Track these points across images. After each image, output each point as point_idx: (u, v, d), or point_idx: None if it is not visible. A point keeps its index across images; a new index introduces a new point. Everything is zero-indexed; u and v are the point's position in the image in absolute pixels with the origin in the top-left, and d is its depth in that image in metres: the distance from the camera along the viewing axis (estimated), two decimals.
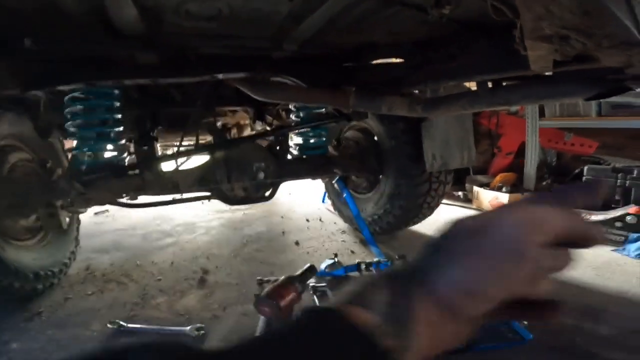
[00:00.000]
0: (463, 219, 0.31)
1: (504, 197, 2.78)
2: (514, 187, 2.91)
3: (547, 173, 3.09)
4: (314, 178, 2.00)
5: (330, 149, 1.93)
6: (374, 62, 1.56)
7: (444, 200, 2.18)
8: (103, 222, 2.98)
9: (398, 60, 1.50)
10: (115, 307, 1.58)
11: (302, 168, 1.79)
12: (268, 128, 1.97)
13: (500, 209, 0.31)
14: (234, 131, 2.37)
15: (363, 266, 1.65)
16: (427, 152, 1.65)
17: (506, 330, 1.20)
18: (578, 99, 1.07)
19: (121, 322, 1.37)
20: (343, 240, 2.23)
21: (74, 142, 1.49)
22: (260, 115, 2.07)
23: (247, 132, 2.52)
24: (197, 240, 2.42)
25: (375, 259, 1.71)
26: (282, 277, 1.18)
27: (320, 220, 2.73)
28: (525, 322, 1.19)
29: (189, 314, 1.49)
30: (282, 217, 2.90)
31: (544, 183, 2.98)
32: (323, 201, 3.22)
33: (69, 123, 1.42)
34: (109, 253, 2.22)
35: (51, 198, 1.43)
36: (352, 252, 2.04)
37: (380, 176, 1.99)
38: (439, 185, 1.92)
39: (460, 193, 3.22)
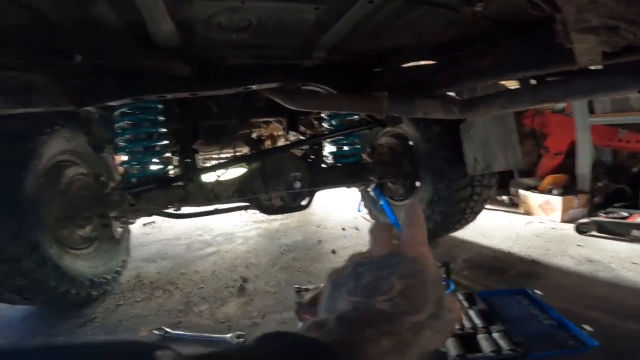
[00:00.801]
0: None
1: (556, 201, 2.60)
2: (566, 189, 2.72)
3: (602, 173, 2.86)
4: (349, 186, 1.98)
5: (364, 156, 1.92)
6: (403, 65, 1.54)
7: (488, 206, 2.09)
8: (150, 232, 3.15)
9: (428, 62, 1.48)
10: (161, 314, 1.64)
11: (337, 176, 1.78)
12: (302, 137, 1.99)
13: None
14: (268, 142, 2.42)
15: None
16: (468, 155, 1.58)
17: (567, 337, 1.12)
18: (629, 92, 0.98)
19: (166, 329, 1.43)
20: None
21: (124, 156, 1.59)
22: (293, 125, 2.10)
23: (282, 142, 2.58)
24: (236, 250, 2.49)
25: None
26: (322, 285, 1.18)
27: (356, 229, 2.71)
28: (590, 328, 1.11)
29: (230, 322, 1.52)
30: (317, 226, 2.91)
31: (600, 184, 2.75)
32: (359, 210, 3.19)
33: (118, 138, 1.51)
34: (156, 262, 2.33)
35: (105, 210, 1.54)
36: None
37: (418, 182, 1.94)
38: (482, 189, 1.83)
39: (505, 197, 3.05)
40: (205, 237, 2.88)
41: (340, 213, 3.30)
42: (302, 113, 2.04)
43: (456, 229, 2.02)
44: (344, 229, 2.71)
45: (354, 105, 1.45)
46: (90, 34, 1.00)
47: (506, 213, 2.87)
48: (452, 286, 1.41)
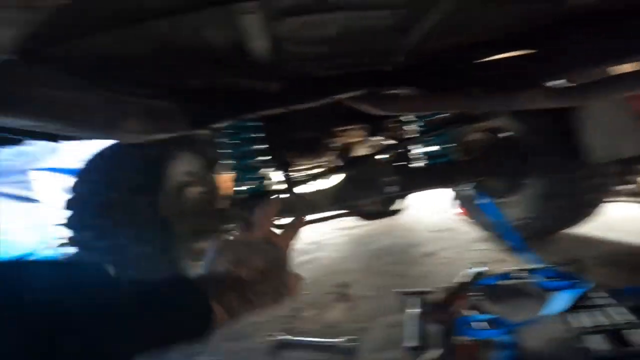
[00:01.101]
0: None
1: None
2: None
3: None
4: (444, 187, 1.90)
5: (457, 154, 1.82)
6: (497, 57, 1.43)
7: (613, 197, 1.81)
8: None
9: (524, 51, 1.34)
10: (273, 320, 1.74)
11: (430, 178, 1.72)
12: (387, 142, 1.97)
13: None
14: (352, 150, 2.45)
15: (521, 273, 1.48)
16: (590, 143, 1.40)
17: None
18: None
19: (281, 335, 1.52)
20: (485, 249, 2.05)
21: (231, 173, 1.73)
22: (376, 130, 2.10)
23: (363, 148, 2.59)
24: (329, 257, 2.55)
25: (537, 265, 1.51)
26: (452, 284, 1.17)
27: (452, 230, 2.59)
28: None
29: (338, 326, 1.56)
30: (407, 229, 2.84)
31: None
32: (451, 210, 3.03)
33: (224, 156, 1.65)
34: None
35: (221, 224, 1.70)
36: (501, 260, 1.85)
37: (524, 177, 1.77)
38: (602, 179, 1.60)
39: (633, 186, 2.62)
40: (298, 245, 3.01)
41: (431, 215, 3.18)
42: (386, 117, 2.03)
43: (576, 224, 1.80)
44: (437, 231, 2.60)
45: (447, 103, 1.39)
46: (202, 58, 1.06)
47: (635, 203, 2.45)
48: (588, 285, 1.26)
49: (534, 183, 1.72)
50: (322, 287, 2.03)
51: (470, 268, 1.66)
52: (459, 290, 1.10)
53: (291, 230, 0.61)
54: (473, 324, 1.20)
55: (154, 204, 1.46)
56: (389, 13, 0.97)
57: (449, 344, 1.01)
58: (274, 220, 0.58)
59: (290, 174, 1.71)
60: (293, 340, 1.50)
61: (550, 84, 1.33)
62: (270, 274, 0.50)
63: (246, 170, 1.64)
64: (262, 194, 1.62)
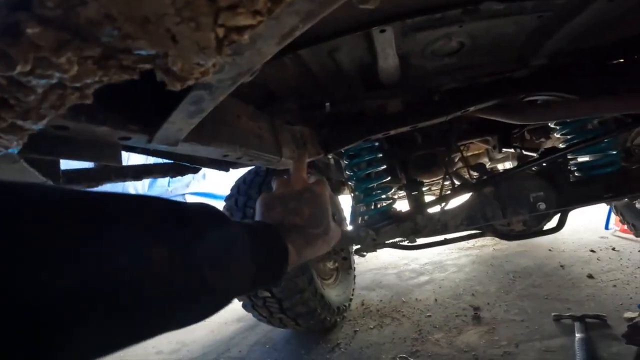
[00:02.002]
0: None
1: None
2: None
3: None
4: (612, 200, 1.60)
5: (622, 162, 1.52)
6: None
7: None
8: (359, 262, 3.41)
9: None
10: (396, 342, 1.69)
11: (593, 190, 1.46)
12: (528, 153, 1.76)
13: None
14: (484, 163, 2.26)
15: None
16: None
17: None
18: None
19: (408, 358, 1.46)
20: None
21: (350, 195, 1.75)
22: (505, 142, 1.90)
23: (484, 161, 2.37)
24: (452, 278, 2.38)
25: None
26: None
27: (613, 249, 2.17)
28: None
29: (474, 351, 1.43)
30: (550, 249, 2.47)
31: None
32: (606, 227, 2.55)
33: (349, 179, 1.68)
34: (374, 290, 2.46)
35: (349, 244, 1.73)
36: None
37: None
38: None
39: None
40: (413, 265, 2.89)
41: (578, 233, 2.74)
42: (515, 128, 1.82)
43: None
44: (593, 251, 2.21)
45: (610, 106, 1.18)
46: (334, 83, 1.10)
47: None
48: None
49: None
50: (448, 309, 1.89)
51: None
52: None
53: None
54: None
55: None
56: (534, 16, 0.89)
57: None
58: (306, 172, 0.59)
59: (422, 193, 1.64)
60: None
61: None
62: (317, 219, 0.52)
63: (371, 192, 1.64)
64: (391, 215, 1.60)
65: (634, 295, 1.50)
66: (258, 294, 1.58)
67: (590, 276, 1.82)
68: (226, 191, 1.81)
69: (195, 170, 1.47)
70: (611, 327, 1.31)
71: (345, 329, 1.91)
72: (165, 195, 4.67)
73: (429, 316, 1.89)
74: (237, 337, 2.10)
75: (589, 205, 1.54)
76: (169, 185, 4.78)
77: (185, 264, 0.31)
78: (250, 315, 1.96)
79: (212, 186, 4.85)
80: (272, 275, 0.44)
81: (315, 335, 1.87)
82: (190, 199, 4.76)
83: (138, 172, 1.34)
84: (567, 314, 1.41)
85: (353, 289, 2.20)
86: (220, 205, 1.70)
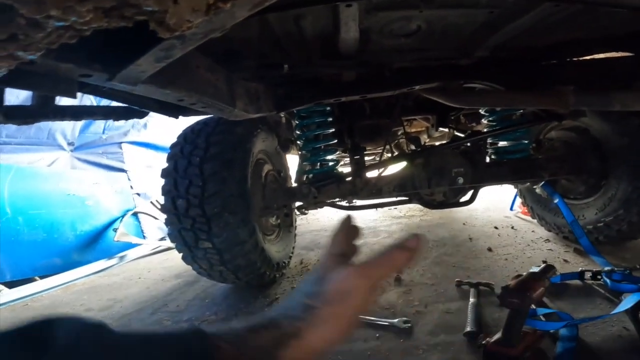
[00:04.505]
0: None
1: None
2: None
3: None
4: (516, 182, 1.87)
5: (533, 151, 1.80)
6: (591, 57, 1.39)
7: None
8: (301, 224, 3.55)
9: (619, 54, 1.30)
10: None
11: (502, 172, 1.71)
12: (458, 134, 1.98)
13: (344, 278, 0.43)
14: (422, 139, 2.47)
15: (589, 275, 1.46)
16: None
17: None
18: None
19: None
20: (549, 249, 2.01)
21: (298, 154, 1.82)
22: (442, 122, 2.10)
23: (424, 139, 2.59)
24: (382, 243, 2.62)
25: (607, 268, 1.48)
26: (526, 273, 1.21)
27: (512, 227, 2.54)
28: None
29: (394, 308, 1.61)
30: (464, 224, 2.82)
31: None
32: (511, 208, 2.96)
33: (298, 138, 1.75)
34: (313, 250, 2.61)
35: (292, 201, 1.81)
36: (565, 261, 1.82)
37: (605, 179, 1.71)
38: None
39: None
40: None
41: (489, 211, 3.13)
42: (452, 110, 2.02)
43: None
44: (496, 228, 2.57)
45: (529, 100, 1.38)
46: (294, 47, 1.15)
47: None
48: None
49: (615, 186, 1.66)
50: None
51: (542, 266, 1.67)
52: (537, 280, 1.13)
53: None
54: (537, 316, 1.23)
55: (243, 178, 1.60)
56: (485, 11, 0.99)
57: (512, 330, 1.05)
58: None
59: (363, 158, 1.77)
60: None
61: None
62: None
63: (317, 152, 1.73)
64: (333, 175, 1.72)
65: (519, 268, 1.76)
66: (199, 245, 1.58)
67: (489, 249, 2.12)
68: (167, 143, 1.77)
69: (141, 115, 1.43)
70: (497, 295, 1.50)
71: (284, 285, 1.98)
72: (98, 144, 4.34)
73: None
74: (175, 293, 2.10)
75: (497, 184, 1.82)
76: (103, 133, 4.42)
77: None
78: (188, 271, 1.90)
79: (153, 137, 4.58)
80: None
81: (254, 290, 1.92)
82: (127, 148, 4.44)
83: (77, 113, 1.28)
84: (466, 281, 1.63)
85: (293, 247, 2.29)
86: (160, 155, 1.66)
